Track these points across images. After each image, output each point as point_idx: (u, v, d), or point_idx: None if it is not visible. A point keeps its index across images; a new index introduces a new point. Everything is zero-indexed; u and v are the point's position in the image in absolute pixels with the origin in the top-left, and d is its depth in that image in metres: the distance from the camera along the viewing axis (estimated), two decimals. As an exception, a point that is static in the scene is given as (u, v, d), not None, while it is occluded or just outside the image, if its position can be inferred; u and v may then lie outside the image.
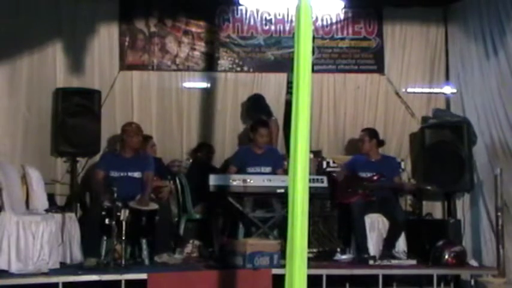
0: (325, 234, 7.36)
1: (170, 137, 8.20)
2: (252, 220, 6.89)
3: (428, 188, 7.28)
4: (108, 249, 6.23)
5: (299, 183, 2.97)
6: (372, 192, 7.12)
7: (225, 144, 8.22)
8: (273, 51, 8.37)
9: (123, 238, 6.09)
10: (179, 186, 7.59)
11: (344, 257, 6.96)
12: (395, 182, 7.32)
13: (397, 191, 7.47)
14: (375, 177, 7.17)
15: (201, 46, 8.30)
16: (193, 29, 8.29)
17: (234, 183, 6.71)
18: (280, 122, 8.09)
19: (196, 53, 8.29)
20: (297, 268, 2.95)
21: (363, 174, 7.24)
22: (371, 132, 7.47)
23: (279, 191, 6.69)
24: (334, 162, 7.84)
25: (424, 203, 7.92)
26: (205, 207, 7.44)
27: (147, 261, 6.47)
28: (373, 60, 8.46)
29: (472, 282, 6.69)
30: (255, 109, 7.95)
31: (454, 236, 7.12)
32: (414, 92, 8.46)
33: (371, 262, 6.62)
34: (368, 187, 7.12)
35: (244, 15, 8.36)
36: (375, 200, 7.11)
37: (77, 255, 6.58)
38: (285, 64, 8.18)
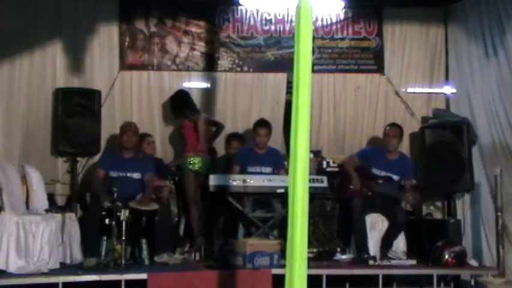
0: (325, 234, 7.35)
1: (170, 137, 8.20)
2: (252, 220, 6.88)
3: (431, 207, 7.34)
4: (108, 249, 6.23)
5: (299, 183, 2.97)
6: (372, 193, 7.11)
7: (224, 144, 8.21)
8: (273, 51, 8.37)
9: (123, 238, 6.11)
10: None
11: (344, 257, 6.96)
12: (397, 191, 7.18)
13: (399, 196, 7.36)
14: (380, 181, 7.12)
15: (201, 46, 8.29)
16: (193, 29, 8.29)
17: (234, 183, 6.71)
18: (280, 122, 8.09)
19: (196, 53, 8.28)
20: (297, 268, 2.96)
21: (376, 172, 7.15)
22: (402, 131, 7.36)
23: (279, 191, 6.70)
24: (334, 162, 7.84)
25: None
26: (205, 207, 7.45)
27: (147, 261, 6.47)
28: (373, 60, 8.46)
29: (472, 282, 6.70)
30: (180, 106, 7.76)
31: (454, 236, 7.11)
32: (414, 92, 8.46)
33: (371, 262, 6.62)
34: (371, 187, 7.10)
35: (244, 15, 8.35)
36: (376, 199, 7.10)
37: (77, 255, 6.58)
38: (285, 64, 8.17)
